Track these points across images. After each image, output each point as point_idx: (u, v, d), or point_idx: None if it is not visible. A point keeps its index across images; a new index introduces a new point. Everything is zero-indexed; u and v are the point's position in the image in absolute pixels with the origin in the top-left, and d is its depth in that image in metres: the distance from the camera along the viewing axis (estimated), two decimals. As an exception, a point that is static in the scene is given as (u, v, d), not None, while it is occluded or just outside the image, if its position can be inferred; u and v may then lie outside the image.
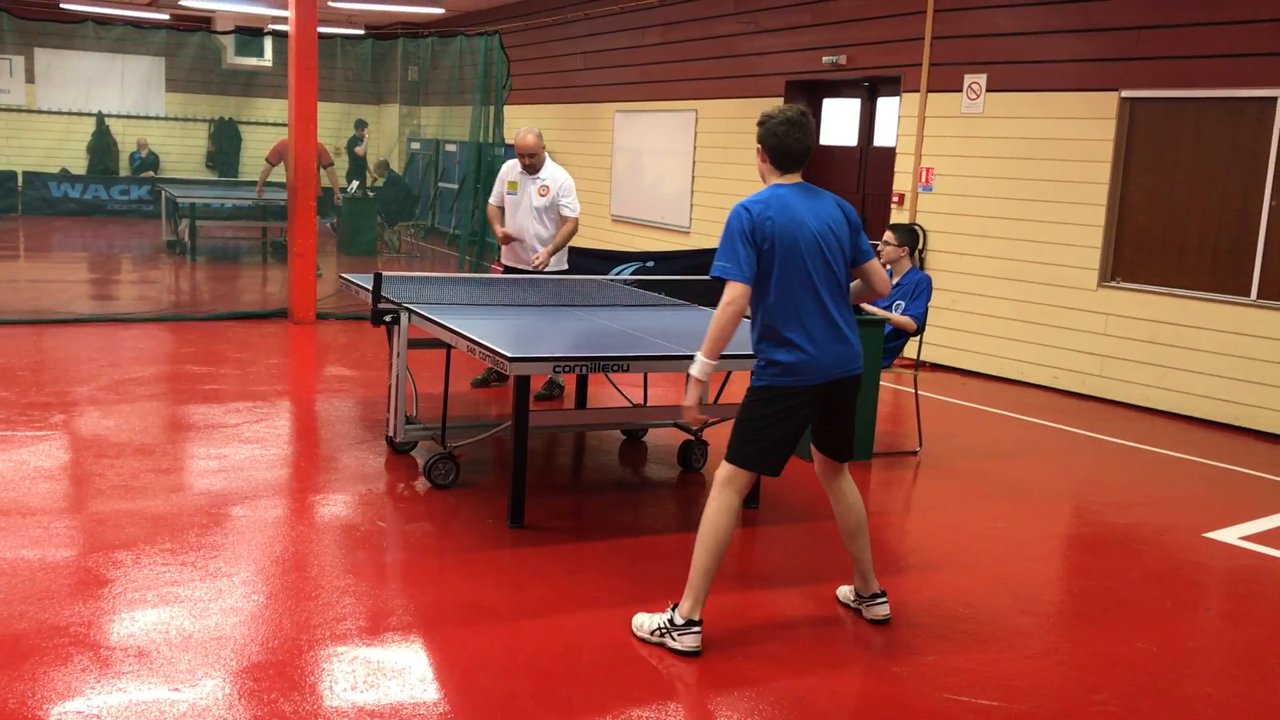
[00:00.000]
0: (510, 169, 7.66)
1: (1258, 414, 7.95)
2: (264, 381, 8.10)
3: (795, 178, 4.10)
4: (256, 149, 19.98)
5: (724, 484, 4.01)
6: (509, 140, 11.87)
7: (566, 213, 7.43)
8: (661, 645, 3.98)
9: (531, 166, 7.44)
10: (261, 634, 3.96)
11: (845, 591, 4.50)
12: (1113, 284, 8.85)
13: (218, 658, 3.75)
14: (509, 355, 4.69)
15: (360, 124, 16.67)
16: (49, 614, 4.02)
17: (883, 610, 4.34)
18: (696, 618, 3.97)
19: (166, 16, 18.76)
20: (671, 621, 3.97)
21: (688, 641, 3.95)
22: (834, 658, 4.08)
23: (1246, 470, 7.05)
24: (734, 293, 3.90)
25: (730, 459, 4.04)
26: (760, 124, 4.09)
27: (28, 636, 3.83)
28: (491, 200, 7.84)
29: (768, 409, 3.99)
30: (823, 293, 3.99)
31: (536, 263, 7.38)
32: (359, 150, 16.54)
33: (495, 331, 5.27)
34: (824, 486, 4.33)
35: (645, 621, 4.06)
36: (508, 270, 7.77)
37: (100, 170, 19.32)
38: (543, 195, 7.44)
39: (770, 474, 4.08)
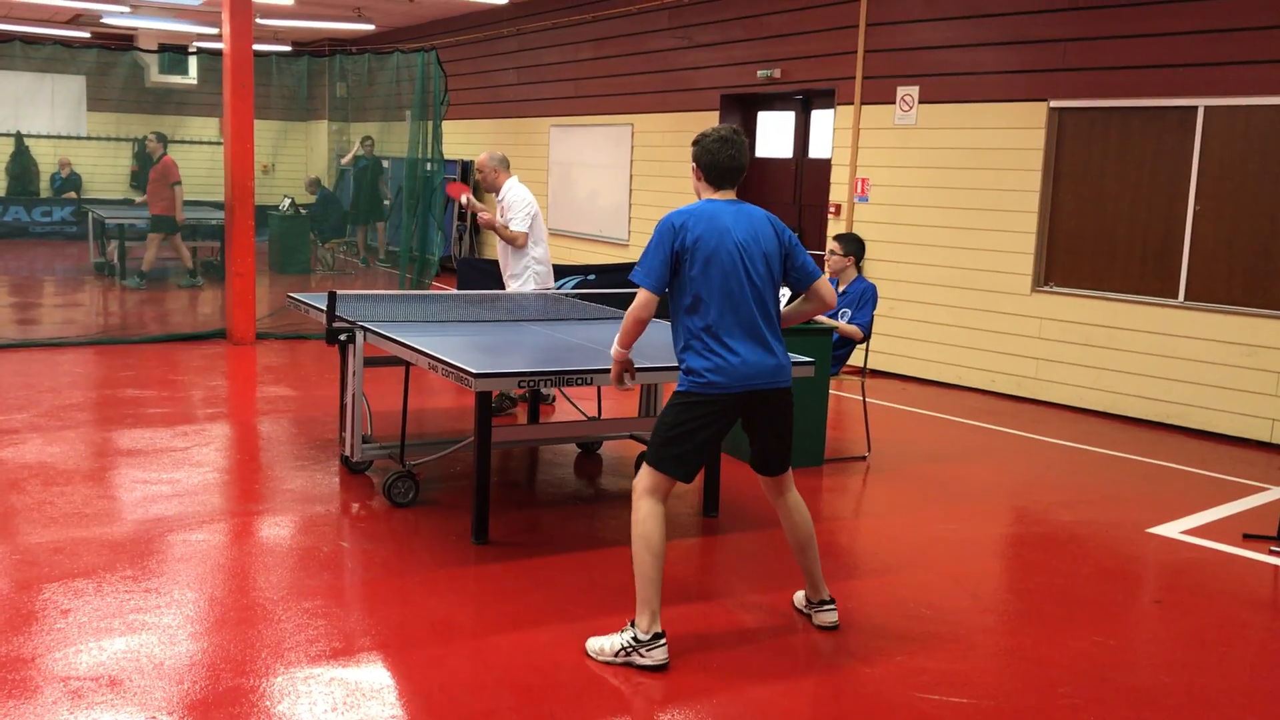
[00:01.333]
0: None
1: (1187, 412, 8.22)
2: (209, 404, 8.00)
3: (729, 194, 4.19)
4: (182, 168, 19.62)
5: (646, 493, 4.07)
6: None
7: (512, 225, 7.57)
8: (629, 664, 3.97)
9: (485, 185, 7.64)
10: (235, 659, 3.92)
11: (799, 598, 4.58)
12: (1046, 289, 9.09)
13: (193, 684, 3.72)
14: (474, 371, 4.71)
15: (365, 140, 15.82)
16: (11, 646, 3.94)
17: (830, 617, 4.41)
18: (659, 630, 3.99)
19: (88, 34, 18.41)
20: (635, 639, 3.97)
21: (656, 655, 3.96)
22: (805, 663, 4.16)
23: (1180, 466, 7.29)
24: (640, 299, 4.05)
25: (649, 461, 4.12)
26: (695, 143, 4.19)
27: (-7, 670, 3.76)
28: None
29: (685, 415, 4.07)
30: (743, 304, 4.06)
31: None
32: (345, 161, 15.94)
33: (455, 348, 5.28)
34: (771, 503, 4.42)
35: (605, 644, 4.03)
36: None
37: (19, 192, 18.84)
38: (502, 215, 7.62)
39: (684, 480, 4.15)
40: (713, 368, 4.03)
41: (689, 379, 4.08)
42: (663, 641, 3.98)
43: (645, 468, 4.12)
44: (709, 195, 4.19)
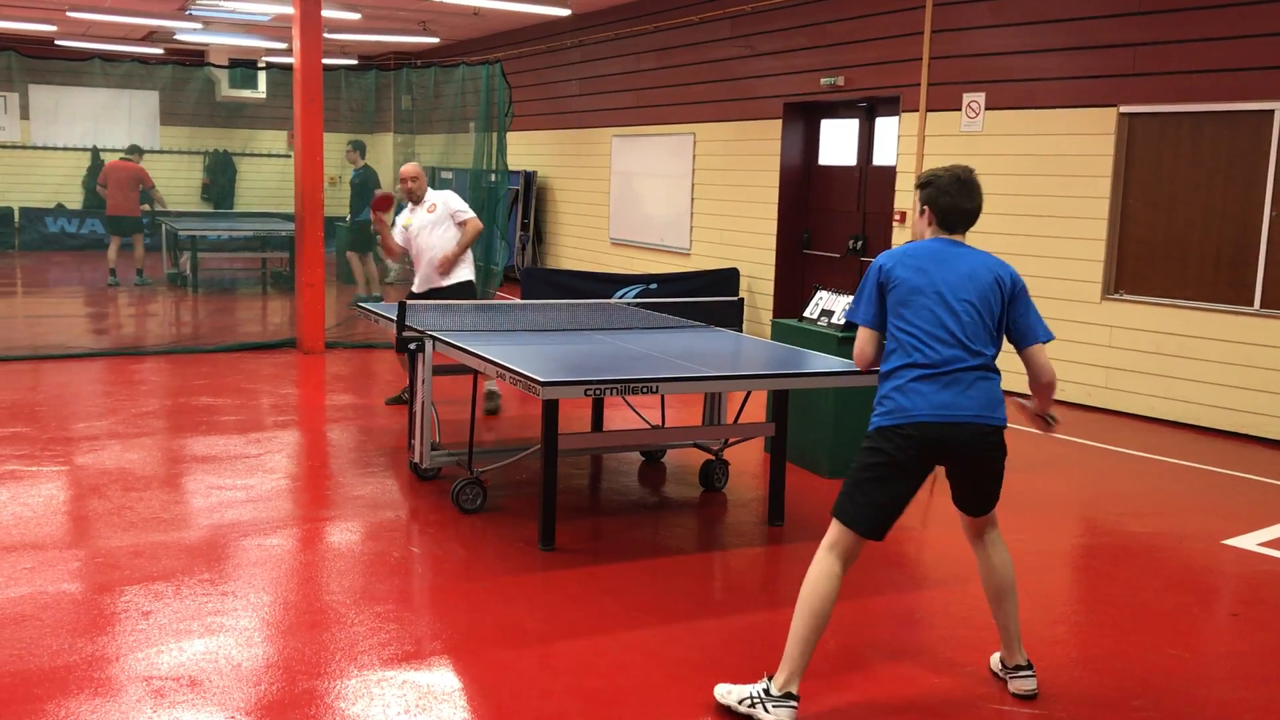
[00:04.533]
0: (402, 216, 8.11)
1: (1263, 422, 8.05)
2: (280, 411, 8.15)
3: (956, 236, 3.97)
4: (252, 181, 20.11)
5: (827, 547, 3.79)
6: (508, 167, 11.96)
7: (464, 217, 7.89)
8: (750, 716, 3.69)
9: (414, 194, 7.94)
10: (309, 661, 4.00)
11: (995, 660, 4.18)
12: (1116, 296, 8.96)
13: (270, 685, 3.80)
14: (541, 380, 4.76)
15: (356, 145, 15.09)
16: (95, 646, 4.06)
17: (1027, 685, 3.96)
18: (793, 690, 3.68)
19: (161, 51, 18.87)
20: (766, 692, 3.69)
21: (781, 715, 3.65)
22: (874, 673, 4.13)
23: (1256, 477, 7.14)
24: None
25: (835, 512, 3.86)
26: (926, 184, 3.95)
27: (78, 668, 3.87)
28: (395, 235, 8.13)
29: (869, 458, 3.84)
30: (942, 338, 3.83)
31: (443, 259, 7.80)
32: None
33: (522, 357, 5.34)
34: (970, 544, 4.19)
35: (735, 690, 3.76)
36: (416, 297, 7.93)
37: (96, 205, 19.34)
38: (431, 212, 7.92)
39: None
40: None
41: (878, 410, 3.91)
42: (793, 704, 3.66)
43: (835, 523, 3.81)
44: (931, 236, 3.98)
